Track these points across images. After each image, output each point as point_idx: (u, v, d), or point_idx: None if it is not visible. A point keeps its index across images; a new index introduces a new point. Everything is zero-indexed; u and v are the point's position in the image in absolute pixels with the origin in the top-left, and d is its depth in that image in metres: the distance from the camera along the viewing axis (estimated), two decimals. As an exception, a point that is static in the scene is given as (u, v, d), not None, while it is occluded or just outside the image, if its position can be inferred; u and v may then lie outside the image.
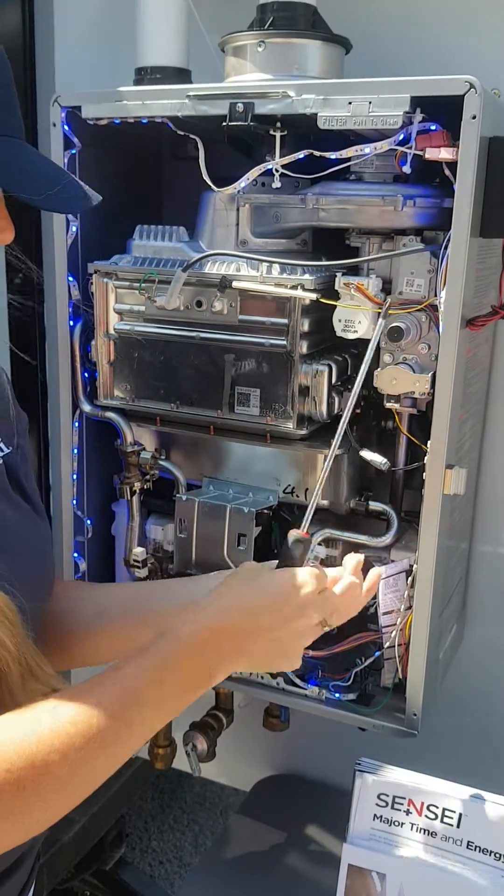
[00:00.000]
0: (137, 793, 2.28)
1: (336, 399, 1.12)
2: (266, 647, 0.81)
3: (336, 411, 1.13)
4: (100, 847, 2.02)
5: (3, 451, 0.87)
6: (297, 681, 1.21)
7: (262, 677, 1.22)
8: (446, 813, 1.02)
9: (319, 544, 1.20)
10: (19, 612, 0.71)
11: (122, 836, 2.18)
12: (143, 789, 2.39)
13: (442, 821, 1.02)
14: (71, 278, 1.22)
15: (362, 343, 1.11)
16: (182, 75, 1.21)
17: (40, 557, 0.89)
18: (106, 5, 1.45)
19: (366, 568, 1.10)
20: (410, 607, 1.12)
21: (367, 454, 1.13)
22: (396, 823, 1.04)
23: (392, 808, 1.04)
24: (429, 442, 1.05)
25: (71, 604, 0.98)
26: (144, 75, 1.20)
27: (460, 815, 1.01)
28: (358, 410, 1.16)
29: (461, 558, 1.33)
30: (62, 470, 1.29)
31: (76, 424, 1.28)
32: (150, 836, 2.40)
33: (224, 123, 1.05)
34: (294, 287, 1.07)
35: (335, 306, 1.07)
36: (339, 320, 1.08)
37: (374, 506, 1.18)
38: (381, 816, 1.04)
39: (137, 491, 1.27)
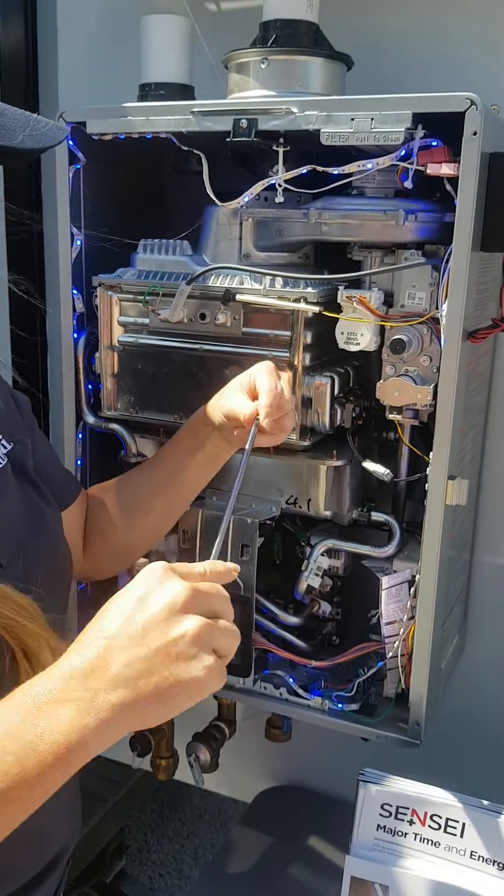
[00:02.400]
0: (137, 805, 2.27)
1: (338, 410, 1.13)
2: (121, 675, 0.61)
3: (338, 423, 1.14)
4: (100, 859, 2.02)
5: (5, 447, 0.88)
6: (300, 691, 1.21)
7: (265, 688, 1.22)
8: (450, 823, 1.02)
9: (322, 555, 1.20)
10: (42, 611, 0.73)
11: (123, 849, 2.18)
12: (142, 801, 2.38)
13: (445, 831, 1.02)
14: (75, 291, 1.24)
15: (364, 355, 1.12)
16: (186, 91, 1.22)
17: (51, 554, 0.90)
18: (109, 22, 1.46)
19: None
20: (413, 618, 1.12)
21: (369, 465, 1.14)
22: (400, 834, 1.04)
23: (395, 818, 1.04)
24: (431, 453, 1.06)
25: (99, 510, 1.08)
26: (148, 91, 1.22)
27: (464, 825, 1.02)
28: (360, 422, 1.17)
29: (463, 569, 1.34)
30: (66, 481, 1.30)
31: (80, 436, 1.29)
32: (149, 849, 2.39)
33: (228, 139, 1.06)
34: (297, 300, 1.08)
35: (337, 319, 1.08)
36: (342, 333, 1.09)
37: (377, 516, 1.19)
38: (384, 827, 1.05)
39: (141, 502, 1.27)
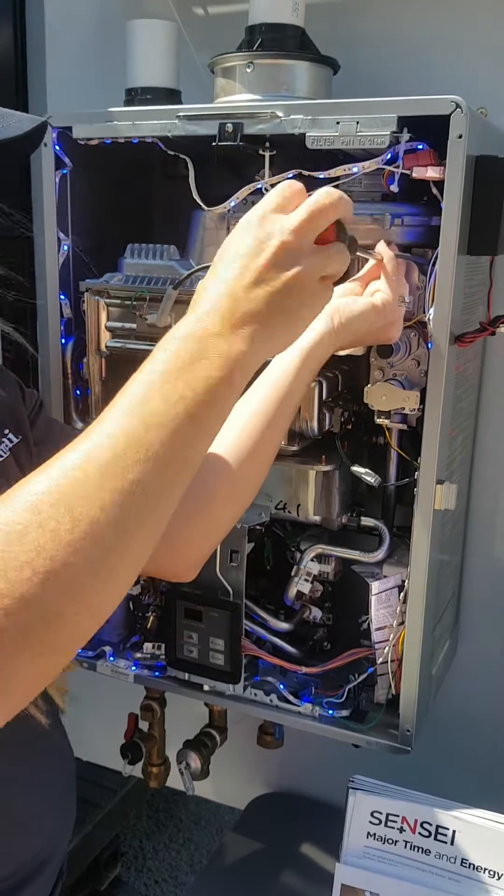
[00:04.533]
0: (132, 812, 2.26)
1: (327, 415, 1.12)
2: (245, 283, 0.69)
3: (327, 427, 1.13)
4: (95, 867, 2.01)
5: (12, 441, 0.86)
6: (290, 697, 1.20)
7: (255, 694, 1.22)
8: (440, 830, 1.01)
9: (312, 560, 1.20)
10: None
11: (117, 856, 2.17)
12: (137, 808, 2.37)
13: (436, 838, 1.02)
14: (62, 297, 1.23)
15: (353, 359, 1.12)
16: (172, 96, 1.22)
17: None
18: (97, 27, 1.46)
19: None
20: (403, 623, 1.11)
21: (358, 470, 1.14)
22: (390, 841, 1.03)
23: (385, 826, 1.03)
24: (419, 457, 1.05)
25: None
26: (135, 96, 1.22)
27: (454, 832, 1.01)
28: (349, 426, 1.17)
29: (453, 573, 1.33)
30: (54, 487, 1.29)
31: (68, 442, 1.28)
32: (145, 856, 2.38)
33: (214, 143, 1.06)
34: (284, 304, 1.08)
35: (325, 323, 1.07)
36: (329, 337, 1.08)
37: (366, 521, 1.18)
38: (374, 834, 1.04)
39: (129, 508, 1.26)
